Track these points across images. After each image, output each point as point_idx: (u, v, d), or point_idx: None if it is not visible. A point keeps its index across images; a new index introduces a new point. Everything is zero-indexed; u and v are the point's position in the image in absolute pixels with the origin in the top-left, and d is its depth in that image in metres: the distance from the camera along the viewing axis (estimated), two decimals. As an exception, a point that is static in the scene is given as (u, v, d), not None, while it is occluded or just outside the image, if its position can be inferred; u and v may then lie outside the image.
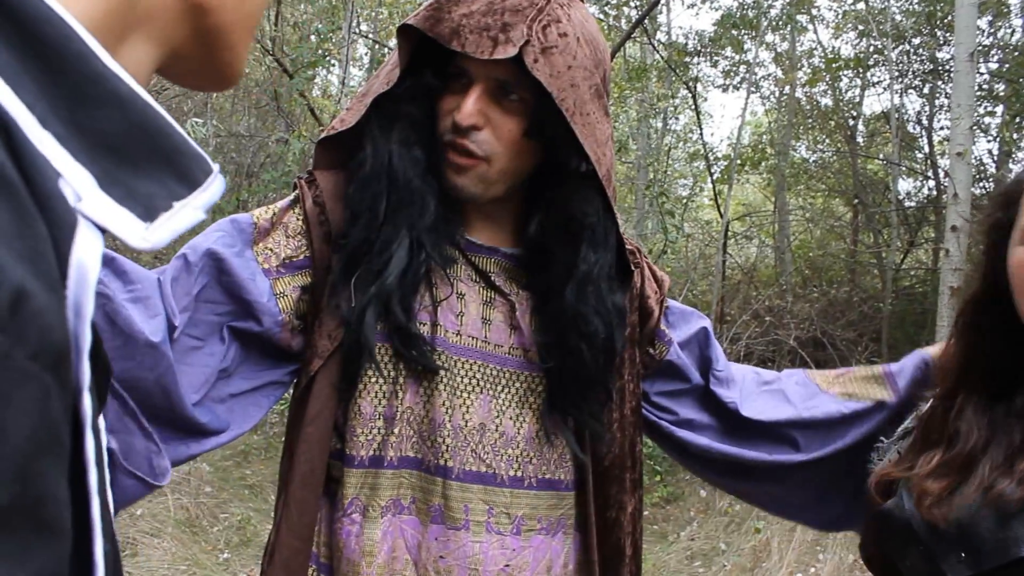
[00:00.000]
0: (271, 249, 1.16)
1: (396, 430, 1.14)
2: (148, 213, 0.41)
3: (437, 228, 1.15)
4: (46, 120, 0.37)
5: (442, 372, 1.15)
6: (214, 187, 0.44)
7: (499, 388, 1.18)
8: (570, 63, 1.08)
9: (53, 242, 0.35)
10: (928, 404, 1.23)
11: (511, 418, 1.18)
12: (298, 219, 1.18)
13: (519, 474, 1.18)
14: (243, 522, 5.21)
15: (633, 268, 1.26)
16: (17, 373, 0.31)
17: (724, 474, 1.43)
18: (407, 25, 1.12)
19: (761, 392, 1.40)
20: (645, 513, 6.36)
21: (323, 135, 1.20)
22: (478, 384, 1.17)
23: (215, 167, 0.45)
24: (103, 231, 0.39)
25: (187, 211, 0.43)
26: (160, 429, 1.07)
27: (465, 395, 1.16)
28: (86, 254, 0.36)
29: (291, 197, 1.21)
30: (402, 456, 1.15)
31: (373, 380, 1.15)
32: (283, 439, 1.25)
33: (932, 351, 1.33)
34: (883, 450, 1.29)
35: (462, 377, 1.16)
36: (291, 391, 1.25)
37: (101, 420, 0.47)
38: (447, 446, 1.14)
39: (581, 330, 1.14)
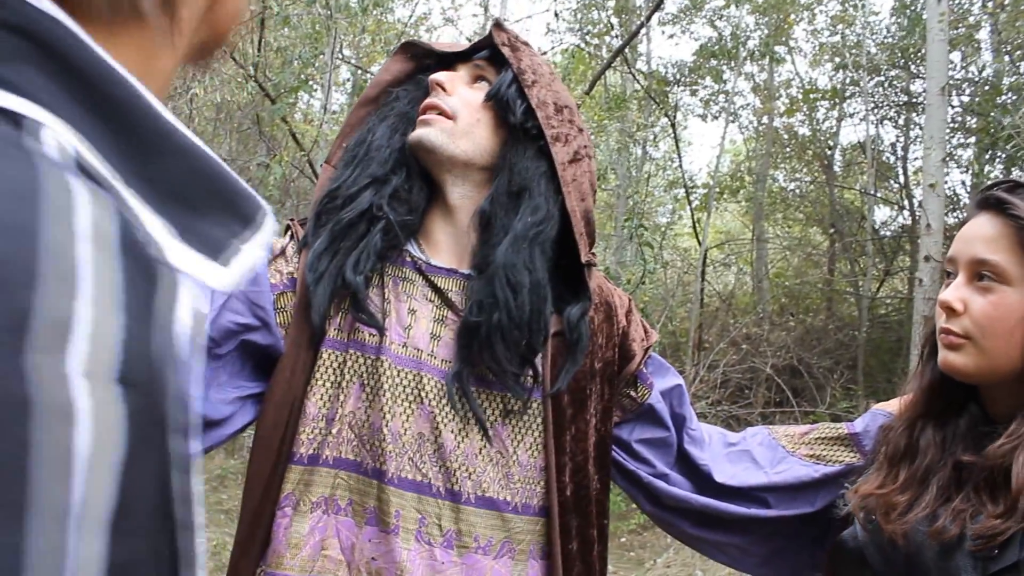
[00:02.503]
0: (278, 269, 1.29)
1: (335, 430, 1.20)
2: (220, 256, 0.44)
3: (397, 194, 1.28)
4: (128, 179, 0.40)
5: (384, 379, 1.20)
6: (268, 224, 0.47)
7: (443, 401, 1.21)
8: (534, 59, 1.31)
9: (163, 302, 0.38)
10: (893, 428, 1.28)
11: (452, 431, 1.21)
12: (294, 249, 1.31)
13: (457, 488, 1.20)
14: (219, 548, 5.17)
15: (586, 266, 1.28)
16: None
17: (697, 524, 1.44)
18: (410, 43, 1.39)
19: (728, 453, 1.44)
20: (622, 539, 6.36)
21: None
22: (419, 395, 1.21)
23: (265, 204, 0.48)
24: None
25: (252, 249, 0.46)
26: None
27: (406, 404, 1.20)
28: (188, 310, 0.40)
29: (289, 235, 1.34)
30: (339, 457, 1.19)
31: (320, 383, 1.22)
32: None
33: (890, 408, 1.38)
34: (848, 497, 1.32)
35: (404, 387, 1.21)
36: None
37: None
38: (384, 451, 1.17)
39: (509, 279, 1.19)
